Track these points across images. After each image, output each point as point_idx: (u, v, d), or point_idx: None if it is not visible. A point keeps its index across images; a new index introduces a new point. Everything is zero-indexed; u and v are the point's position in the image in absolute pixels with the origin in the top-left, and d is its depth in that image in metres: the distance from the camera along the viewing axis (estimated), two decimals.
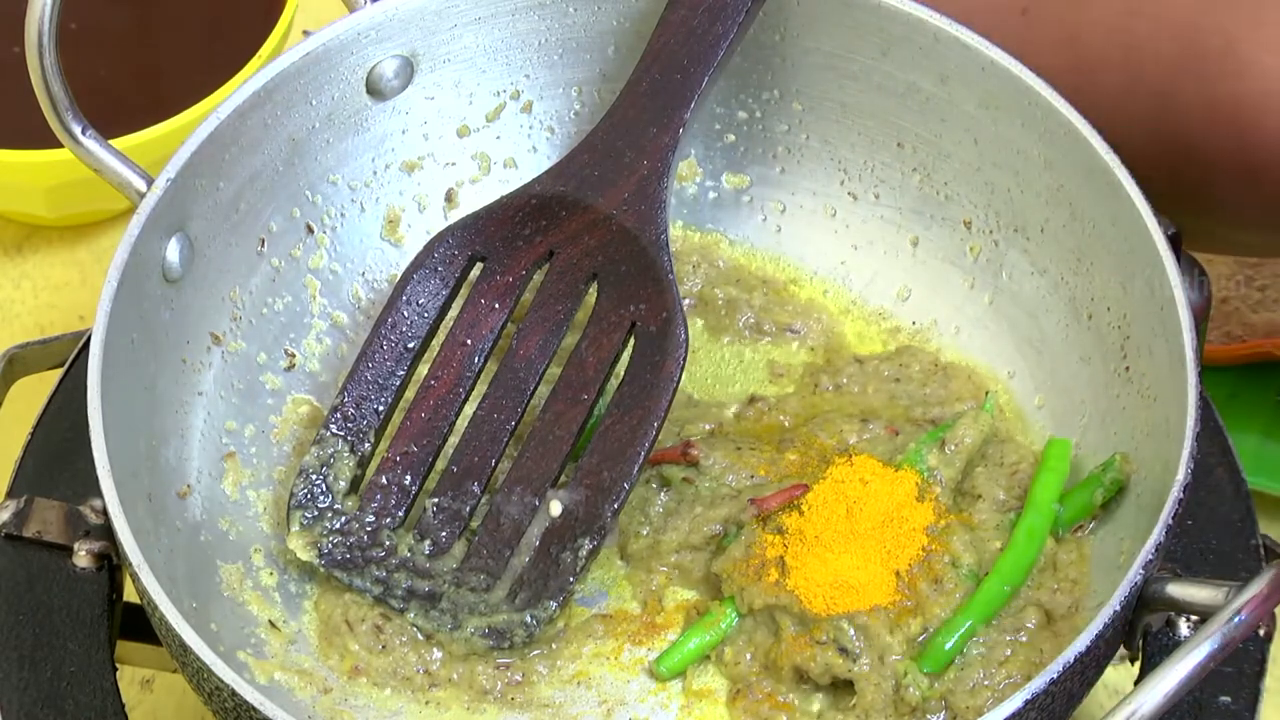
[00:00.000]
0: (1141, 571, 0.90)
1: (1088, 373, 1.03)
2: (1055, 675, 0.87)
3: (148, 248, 0.99)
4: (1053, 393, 1.05)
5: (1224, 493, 1.04)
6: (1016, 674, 0.96)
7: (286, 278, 1.07)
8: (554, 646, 1.00)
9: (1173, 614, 0.94)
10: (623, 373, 1.02)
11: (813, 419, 1.06)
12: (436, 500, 1.01)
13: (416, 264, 1.04)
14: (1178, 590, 0.91)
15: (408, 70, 1.08)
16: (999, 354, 1.08)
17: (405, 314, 1.04)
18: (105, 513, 0.92)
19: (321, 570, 1.01)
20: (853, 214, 1.12)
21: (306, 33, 1.06)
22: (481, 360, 1.04)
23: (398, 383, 1.03)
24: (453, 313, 1.05)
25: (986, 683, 0.96)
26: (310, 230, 1.08)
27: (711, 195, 1.14)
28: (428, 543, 1.01)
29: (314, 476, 1.02)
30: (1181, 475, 0.91)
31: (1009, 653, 0.96)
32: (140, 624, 0.98)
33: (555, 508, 1.00)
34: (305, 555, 1.01)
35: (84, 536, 0.98)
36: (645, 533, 1.02)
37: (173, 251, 1.01)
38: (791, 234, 1.13)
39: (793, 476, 1.02)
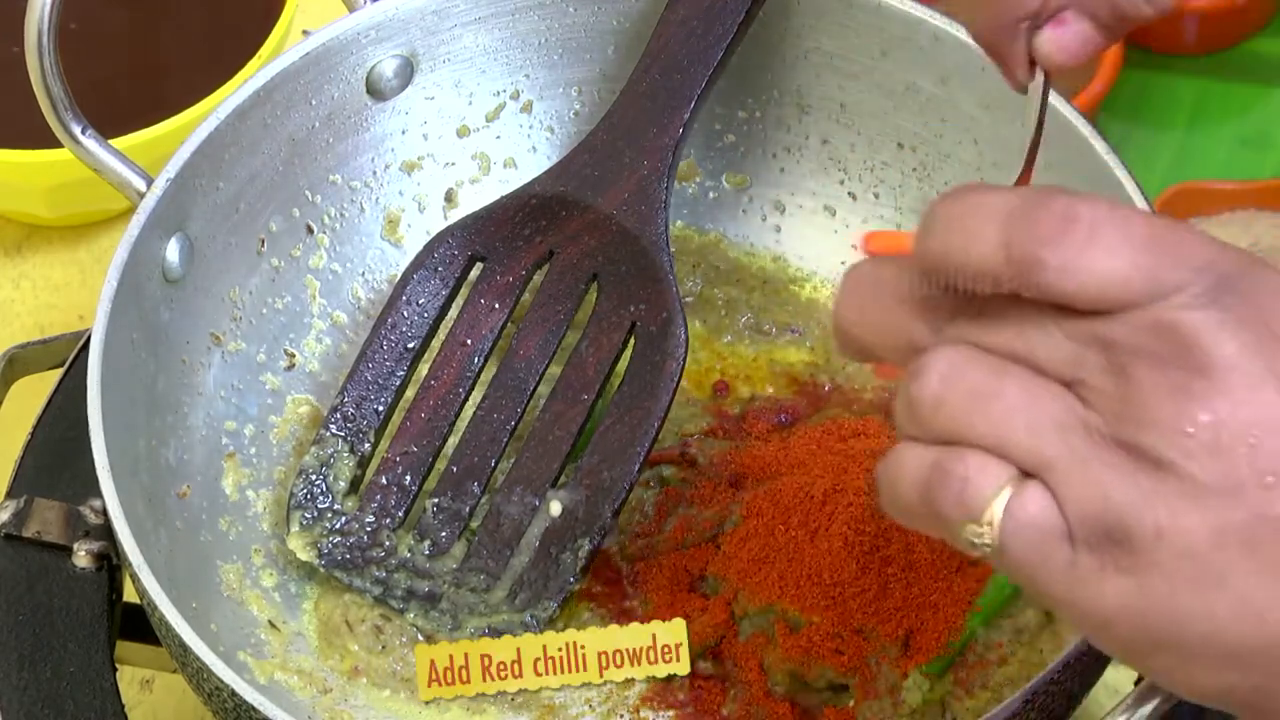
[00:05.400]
0: None
1: None
2: (1055, 675, 0.87)
3: (148, 248, 0.99)
4: None
5: None
6: (1016, 674, 0.96)
7: (286, 278, 1.07)
8: None
9: None
10: (623, 373, 1.02)
11: (812, 419, 1.06)
12: (436, 500, 1.01)
13: (416, 264, 1.04)
14: None
15: (408, 70, 1.08)
16: None
17: (405, 314, 1.04)
18: (105, 513, 0.92)
19: (321, 570, 1.01)
20: (853, 214, 1.11)
21: (306, 33, 1.06)
22: (481, 360, 1.03)
23: (398, 383, 1.03)
24: (453, 313, 1.05)
25: (985, 683, 0.96)
26: (310, 230, 1.08)
27: (711, 195, 1.14)
28: (428, 543, 1.01)
29: (314, 476, 1.02)
30: None
31: (1008, 653, 0.96)
32: (140, 624, 0.97)
33: (555, 508, 1.00)
34: (305, 555, 1.01)
35: (84, 536, 0.98)
36: (643, 532, 1.02)
37: (173, 251, 1.01)
38: (791, 234, 1.13)
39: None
